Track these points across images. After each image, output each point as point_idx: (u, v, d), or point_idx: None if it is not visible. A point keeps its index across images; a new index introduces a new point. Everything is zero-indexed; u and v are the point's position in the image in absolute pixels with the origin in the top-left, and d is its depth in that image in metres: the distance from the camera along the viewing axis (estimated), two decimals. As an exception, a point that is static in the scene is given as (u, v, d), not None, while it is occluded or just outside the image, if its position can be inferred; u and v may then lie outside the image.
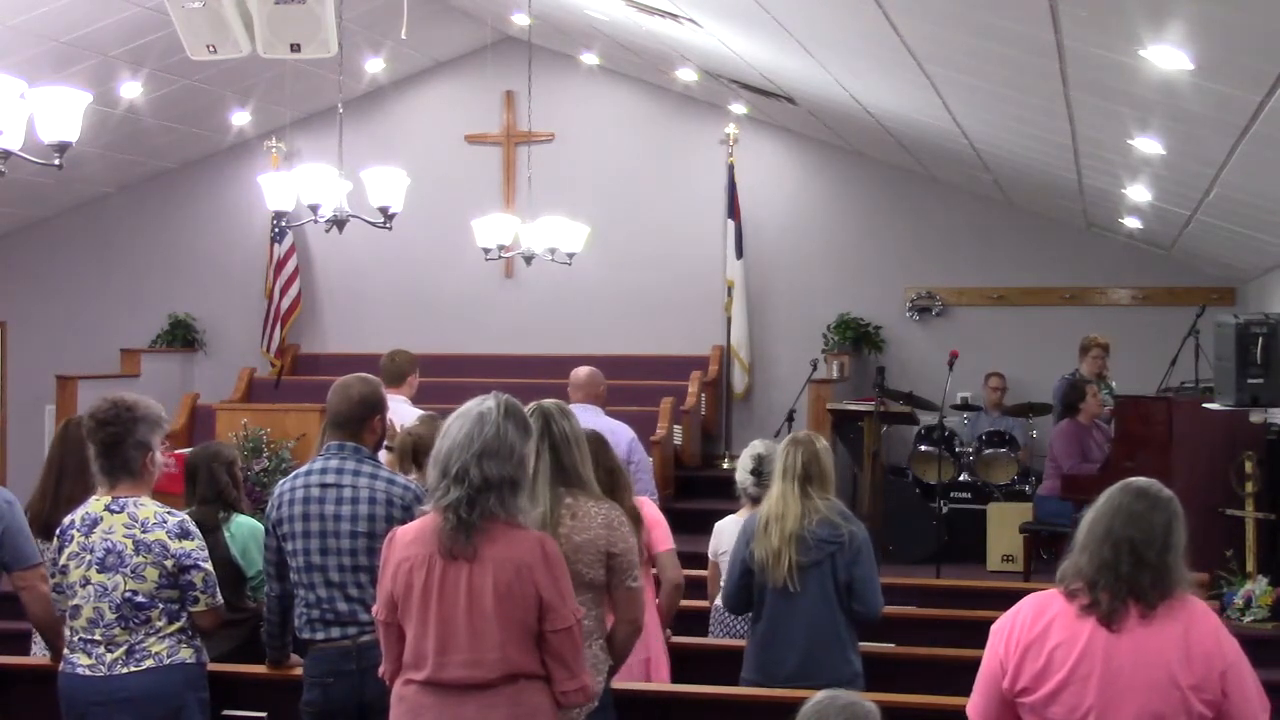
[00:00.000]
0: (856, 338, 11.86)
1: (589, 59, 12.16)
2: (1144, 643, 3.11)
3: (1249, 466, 7.12)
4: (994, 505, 10.32)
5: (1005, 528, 9.94)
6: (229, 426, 8.22)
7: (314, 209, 7.48)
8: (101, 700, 4.21)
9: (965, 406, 11.39)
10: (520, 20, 10.90)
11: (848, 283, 12.05)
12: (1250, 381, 6.85)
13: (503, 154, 12.61)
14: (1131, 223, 10.10)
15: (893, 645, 5.73)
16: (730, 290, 11.99)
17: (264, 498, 5.91)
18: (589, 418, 6.11)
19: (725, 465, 11.62)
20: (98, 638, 4.24)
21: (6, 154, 4.72)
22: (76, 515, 4.34)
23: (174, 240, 13.09)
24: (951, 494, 10.57)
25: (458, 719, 3.52)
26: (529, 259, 9.92)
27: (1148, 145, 6.62)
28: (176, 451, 7.48)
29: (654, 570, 5.33)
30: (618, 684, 4.42)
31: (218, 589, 4.40)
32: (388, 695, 3.69)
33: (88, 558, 4.26)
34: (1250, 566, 6.92)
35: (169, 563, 4.25)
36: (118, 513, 4.27)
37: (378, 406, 4.50)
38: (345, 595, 4.28)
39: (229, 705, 4.74)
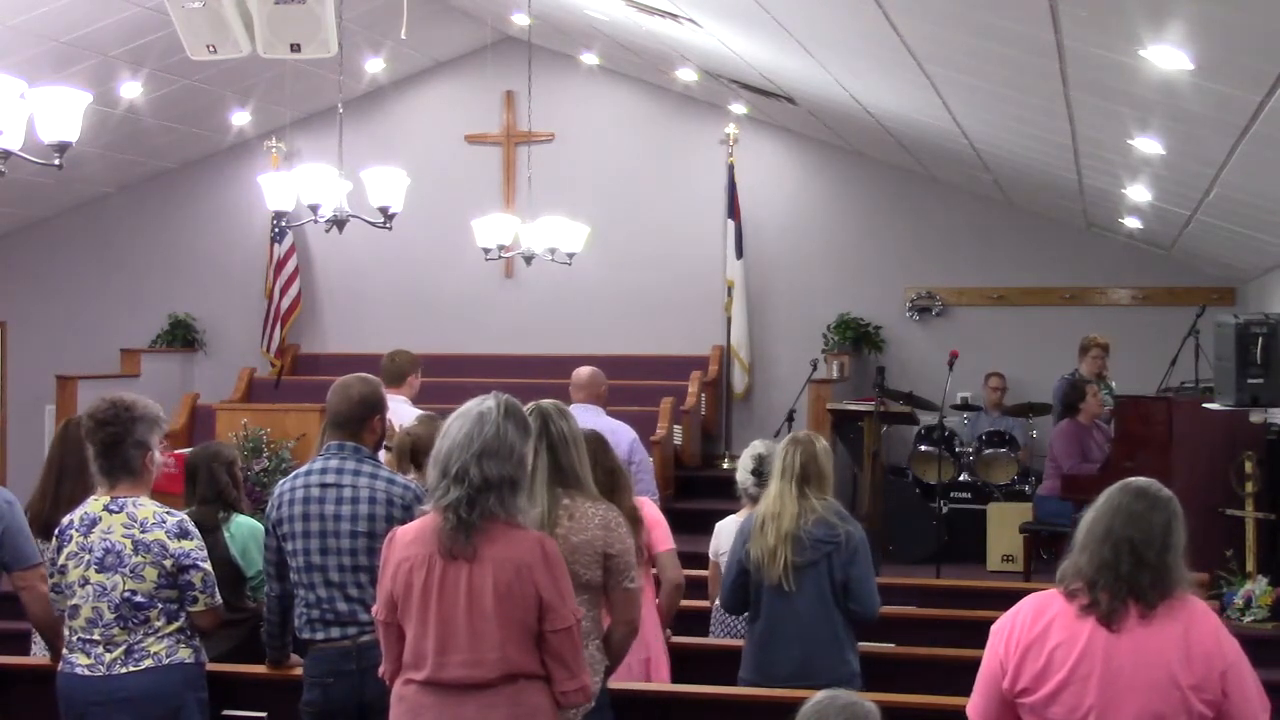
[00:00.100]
0: (856, 338, 11.86)
1: (589, 59, 12.16)
2: (1144, 643, 3.11)
3: (1249, 466, 7.12)
4: (994, 505, 10.32)
5: (1005, 528, 9.94)
6: (229, 426, 8.22)
7: (314, 209, 7.48)
8: (100, 700, 4.20)
9: (965, 406, 11.39)
10: (520, 20, 10.89)
11: (848, 283, 12.05)
12: (1250, 381, 6.85)
13: (503, 154, 12.61)
14: (1131, 223, 10.10)
15: (893, 645, 5.73)
16: (730, 290, 11.99)
17: (264, 498, 5.91)
18: (590, 418, 6.11)
19: (725, 465, 11.63)
20: (96, 638, 4.24)
21: (6, 154, 4.72)
22: (75, 515, 4.34)
23: (174, 240, 13.09)
24: (951, 494, 10.57)
25: (458, 719, 3.52)
26: (529, 259, 9.92)
27: (1148, 145, 6.62)
28: (176, 451, 7.50)
29: (654, 570, 5.33)
30: (617, 684, 4.42)
31: (216, 589, 4.39)
32: (388, 695, 3.69)
33: (86, 557, 4.25)
34: (1250, 566, 6.92)
35: (168, 562, 4.25)
36: (116, 513, 4.27)
37: (378, 406, 4.50)
38: (345, 595, 4.28)
39: (229, 705, 4.74)
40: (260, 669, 4.76)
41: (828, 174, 12.26)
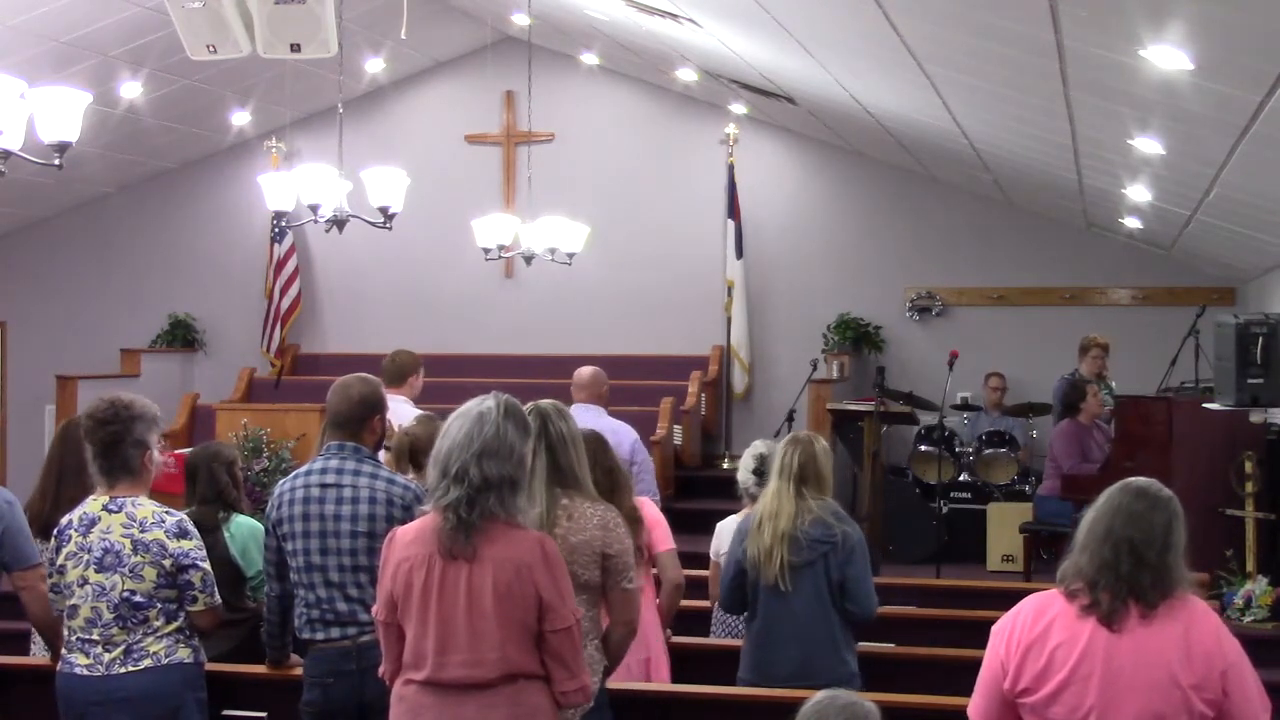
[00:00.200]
0: (856, 338, 11.86)
1: (589, 59, 12.16)
2: (1145, 643, 3.11)
3: (1249, 466, 7.12)
4: (994, 505, 10.32)
5: (1005, 528, 9.95)
6: (229, 426, 8.22)
7: (314, 209, 7.48)
8: (100, 700, 4.20)
9: (965, 406, 11.39)
10: (520, 20, 10.89)
11: (848, 283, 12.05)
12: (1250, 381, 6.85)
13: (503, 154, 12.61)
14: (1131, 223, 10.10)
15: (893, 645, 5.73)
16: (730, 290, 11.99)
17: (264, 498, 5.91)
18: (591, 418, 6.12)
19: (725, 465, 11.63)
20: (95, 637, 4.24)
21: (6, 154, 4.72)
22: (74, 515, 4.34)
23: (174, 240, 13.09)
24: (951, 494, 10.57)
25: (457, 719, 3.52)
26: (529, 259, 9.92)
27: (1148, 145, 6.62)
28: (176, 451, 7.50)
29: (654, 570, 5.33)
30: (617, 684, 4.42)
31: (216, 589, 4.39)
32: (388, 695, 3.69)
33: (86, 557, 4.25)
34: (1250, 566, 6.92)
35: (167, 562, 4.25)
36: (115, 512, 4.27)
37: (377, 406, 4.50)
38: (345, 595, 4.28)
39: (229, 705, 4.74)
40: (260, 669, 4.76)
41: (828, 174, 12.26)
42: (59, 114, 4.93)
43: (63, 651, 4.35)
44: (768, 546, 4.80)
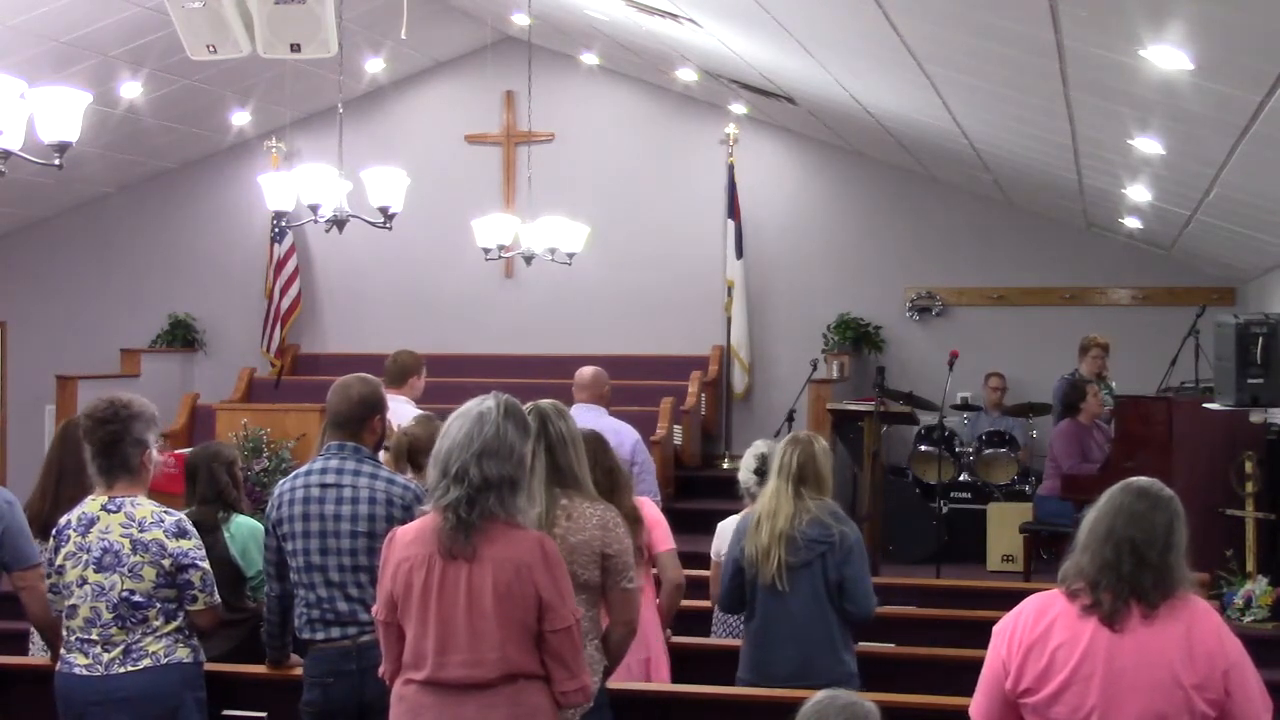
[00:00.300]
0: (856, 338, 11.86)
1: (589, 59, 12.16)
2: (1146, 643, 3.11)
3: (1249, 466, 7.12)
4: (994, 505, 10.33)
5: (1005, 528, 9.95)
6: (229, 426, 8.22)
7: (314, 209, 7.48)
8: (99, 700, 4.20)
9: (965, 406, 11.39)
10: (520, 20, 10.90)
11: (848, 283, 12.05)
12: (1250, 381, 6.85)
13: (503, 154, 12.61)
14: (1131, 223, 10.10)
15: (893, 645, 5.73)
16: (730, 290, 11.99)
17: (264, 498, 5.91)
18: (593, 419, 6.12)
19: (725, 465, 11.63)
20: (95, 637, 4.24)
21: (6, 154, 4.72)
22: (73, 515, 4.34)
23: (174, 240, 13.09)
24: (951, 494, 10.57)
25: (457, 719, 3.52)
26: (529, 259, 9.92)
27: (1148, 145, 6.62)
28: (176, 451, 7.50)
29: (654, 570, 5.33)
30: (617, 684, 4.42)
31: (215, 588, 4.39)
32: (388, 695, 3.69)
33: (85, 557, 4.25)
34: (1250, 566, 6.92)
35: (166, 562, 4.25)
36: (114, 512, 4.27)
37: (377, 406, 4.50)
38: (345, 595, 4.28)
39: (228, 705, 4.73)
40: (260, 669, 4.75)
41: (828, 174, 12.26)
42: (59, 114, 4.93)
43: (61, 652, 4.35)
44: (765, 546, 4.81)
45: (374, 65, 11.73)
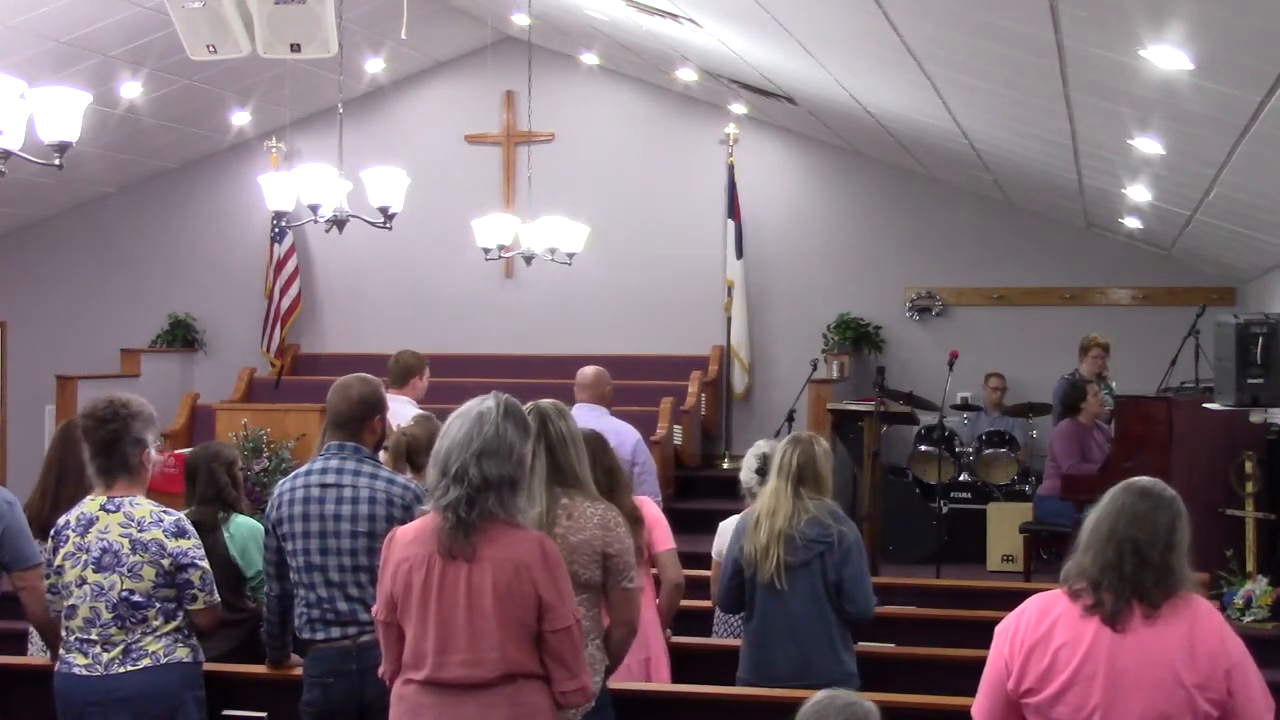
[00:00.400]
0: (856, 338, 11.86)
1: (589, 59, 12.16)
2: (1148, 642, 3.11)
3: (1249, 466, 7.12)
4: (994, 505, 10.32)
5: (1005, 528, 9.95)
6: (229, 426, 8.22)
7: (314, 209, 7.48)
8: (98, 700, 4.20)
9: (965, 406, 11.39)
10: (520, 20, 10.89)
11: (848, 283, 12.05)
12: (1250, 381, 6.85)
13: (503, 154, 12.61)
14: (1131, 223, 10.10)
15: (893, 645, 5.73)
16: (730, 290, 11.99)
17: (264, 498, 5.91)
18: (594, 419, 6.10)
19: (725, 465, 11.64)
20: (94, 637, 4.24)
21: (6, 154, 4.71)
22: (71, 515, 4.34)
23: (174, 240, 13.09)
24: (951, 494, 10.57)
25: (457, 719, 3.52)
26: (529, 259, 9.93)
27: (1148, 145, 6.62)
28: (176, 451, 7.50)
29: (654, 570, 5.32)
30: (617, 684, 4.42)
31: (215, 587, 4.39)
32: (388, 695, 3.69)
33: (84, 557, 4.25)
34: (1250, 566, 6.92)
35: (166, 561, 4.25)
36: (113, 512, 4.27)
37: (377, 406, 4.50)
38: (345, 595, 4.28)
39: (228, 705, 4.73)
40: (260, 669, 4.75)
41: (828, 174, 12.26)
42: (59, 114, 4.93)
43: (60, 652, 4.35)
44: (764, 545, 4.81)
45: (374, 65, 11.73)
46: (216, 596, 4.39)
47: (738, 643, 5.20)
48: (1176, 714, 3.06)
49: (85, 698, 4.22)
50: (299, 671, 4.47)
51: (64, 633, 4.33)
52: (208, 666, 4.50)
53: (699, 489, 11.02)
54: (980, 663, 3.34)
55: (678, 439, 11.11)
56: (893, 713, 3.08)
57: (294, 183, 7.86)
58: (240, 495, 5.36)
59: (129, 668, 4.22)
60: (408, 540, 3.61)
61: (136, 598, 4.23)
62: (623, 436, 6.42)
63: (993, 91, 7.16)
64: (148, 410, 4.37)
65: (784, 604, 4.81)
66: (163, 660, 4.26)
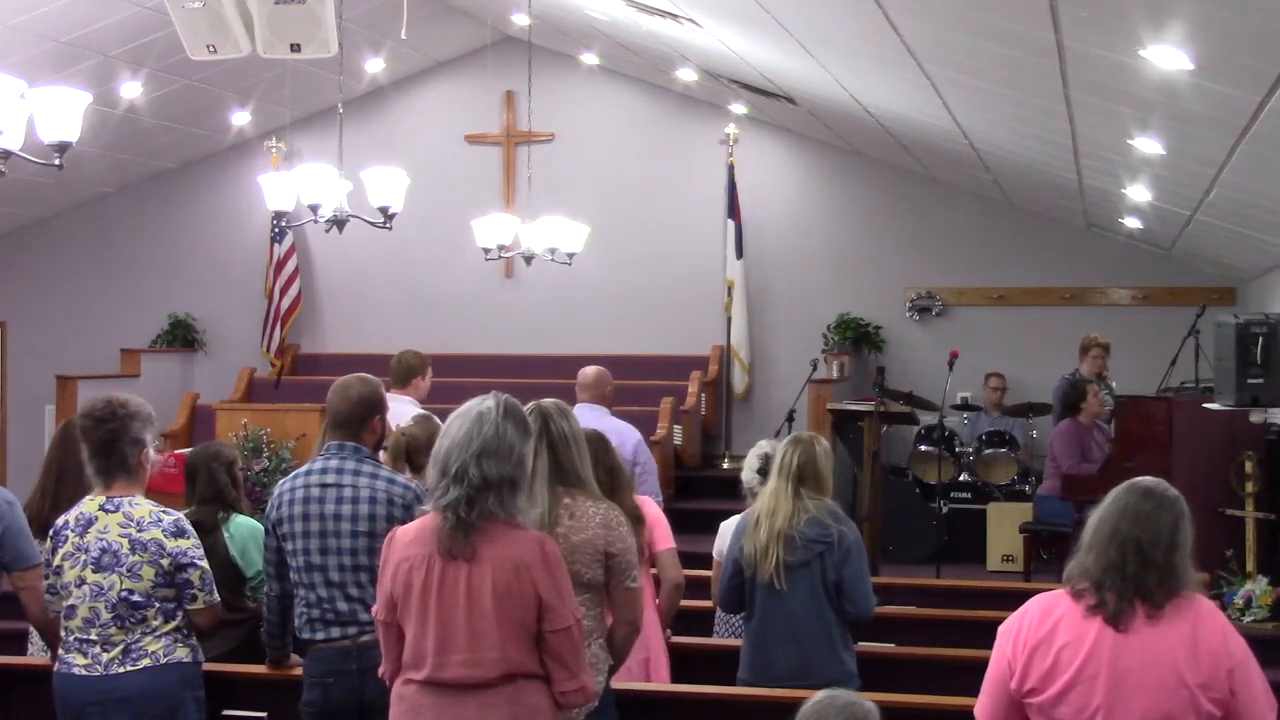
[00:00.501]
0: (856, 338, 11.86)
1: (589, 59, 12.16)
2: (1151, 642, 3.11)
3: (1249, 466, 7.12)
4: (994, 505, 10.33)
5: (1005, 528, 9.95)
6: (229, 426, 8.23)
7: (314, 209, 7.48)
8: (98, 700, 4.20)
9: (965, 406, 11.39)
10: (520, 20, 10.89)
11: (848, 283, 12.05)
12: (1250, 381, 6.85)
13: (503, 154, 12.61)
14: (1131, 223, 10.10)
15: (893, 645, 5.73)
16: (730, 290, 11.99)
17: (264, 498, 5.91)
18: (595, 419, 6.10)
19: (725, 465, 11.64)
20: (94, 637, 4.24)
21: (6, 154, 4.71)
22: (70, 516, 4.33)
23: (174, 240, 13.09)
24: (951, 494, 10.57)
25: (457, 719, 3.52)
26: (529, 259, 9.93)
27: (1148, 145, 6.62)
28: (176, 451, 7.50)
29: (654, 570, 5.32)
30: (617, 684, 4.41)
31: (214, 587, 4.39)
32: (388, 695, 3.69)
33: (83, 558, 4.25)
34: (1250, 566, 6.92)
35: (165, 561, 4.25)
36: (112, 512, 4.27)
37: (377, 406, 4.50)
38: (345, 595, 4.28)
39: (228, 705, 4.73)
40: (260, 669, 4.75)
41: (828, 174, 12.26)
42: (59, 114, 4.93)
43: (60, 652, 4.35)
44: (764, 545, 4.82)
45: (374, 65, 11.73)
46: (216, 596, 4.39)
47: (738, 643, 5.20)
48: (1179, 714, 3.06)
49: (85, 698, 4.22)
50: (299, 671, 4.47)
51: (63, 633, 4.33)
52: (208, 666, 4.50)
53: (699, 489, 11.02)
54: (981, 663, 3.34)
55: (678, 439, 11.11)
56: (893, 713, 3.08)
57: (294, 183, 7.86)
58: (240, 495, 5.36)
59: (128, 668, 4.22)
60: (408, 540, 3.60)
61: (136, 598, 4.23)
62: (624, 436, 6.42)
63: (993, 91, 7.16)
64: (146, 410, 4.37)
65: (784, 604, 4.81)
66: (162, 660, 4.26)
